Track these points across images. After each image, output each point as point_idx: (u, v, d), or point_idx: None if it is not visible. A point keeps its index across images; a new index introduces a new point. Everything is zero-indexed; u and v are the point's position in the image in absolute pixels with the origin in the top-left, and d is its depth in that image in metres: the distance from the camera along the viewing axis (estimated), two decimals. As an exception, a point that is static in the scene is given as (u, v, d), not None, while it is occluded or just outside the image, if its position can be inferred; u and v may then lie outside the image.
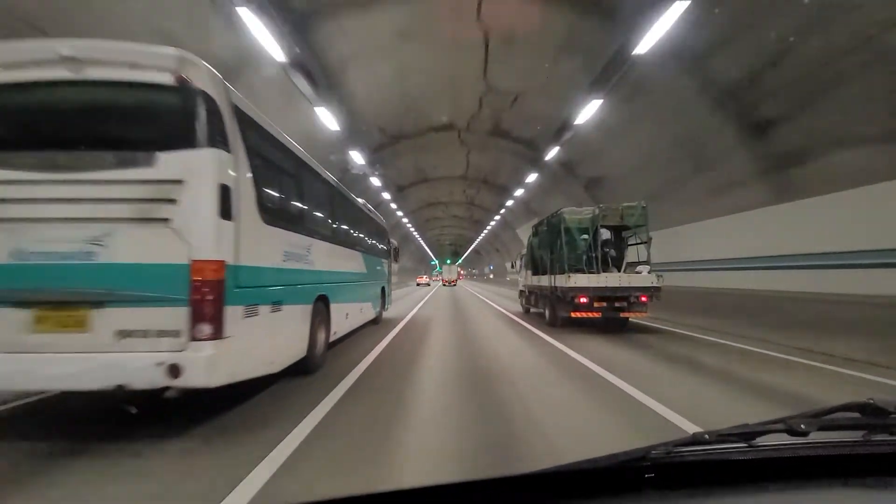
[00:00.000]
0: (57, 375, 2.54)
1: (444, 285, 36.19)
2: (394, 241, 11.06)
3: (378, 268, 8.58)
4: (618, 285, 7.41)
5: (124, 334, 2.57)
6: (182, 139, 2.66)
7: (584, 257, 8.04)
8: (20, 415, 3.18)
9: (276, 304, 3.49)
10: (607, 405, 3.51)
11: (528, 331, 8.08)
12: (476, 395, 3.73)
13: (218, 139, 2.73)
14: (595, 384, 4.18)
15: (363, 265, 7.13)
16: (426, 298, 18.24)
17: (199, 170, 2.65)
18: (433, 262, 68.42)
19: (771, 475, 0.75)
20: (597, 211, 8.02)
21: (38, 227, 2.57)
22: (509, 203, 23.78)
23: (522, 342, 6.79)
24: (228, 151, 2.79)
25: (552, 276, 8.43)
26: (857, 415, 0.79)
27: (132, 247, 2.59)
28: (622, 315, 7.69)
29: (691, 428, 2.72)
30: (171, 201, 2.60)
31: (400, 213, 26.59)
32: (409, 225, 32.07)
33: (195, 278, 2.59)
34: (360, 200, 7.82)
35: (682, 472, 0.75)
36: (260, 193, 3.24)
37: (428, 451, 2.56)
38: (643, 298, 7.46)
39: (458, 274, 44.55)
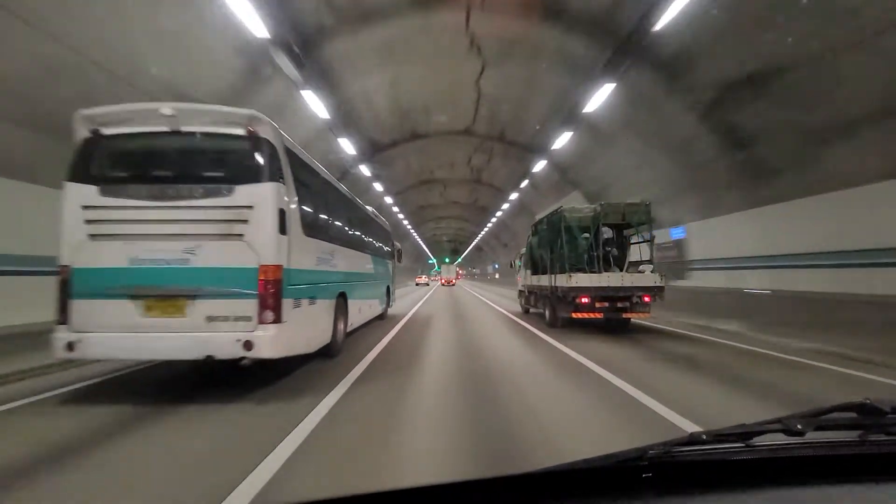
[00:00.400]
0: (163, 349, 3.63)
1: (443, 285, 38.49)
2: (397, 244, 12.11)
3: (384, 268, 9.62)
4: (620, 285, 7.45)
5: (211, 319, 3.60)
6: (252, 175, 3.73)
7: (586, 256, 8.06)
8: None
9: (312, 298, 4.52)
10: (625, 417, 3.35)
11: (528, 331, 8.16)
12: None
13: (277, 175, 3.82)
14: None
15: (373, 266, 8.23)
16: (426, 298, 19.30)
17: (264, 198, 3.71)
18: (431, 261, 66.70)
19: (768, 475, 0.78)
20: (598, 209, 8.04)
21: (149, 240, 3.64)
22: (537, 168, 16.51)
23: (517, 336, 7.34)
24: (283, 184, 3.88)
25: (552, 276, 8.46)
26: (853, 414, 0.82)
27: (216, 255, 3.65)
28: (624, 316, 7.74)
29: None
30: (245, 221, 3.66)
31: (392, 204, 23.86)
32: (398, 212, 27.67)
33: (262, 278, 3.63)
34: (369, 208, 9.01)
35: (680, 472, 0.78)
36: (303, 212, 4.34)
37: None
38: (646, 298, 7.52)
39: (457, 274, 47.45)
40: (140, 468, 2.42)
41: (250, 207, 3.67)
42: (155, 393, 3.92)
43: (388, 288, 10.15)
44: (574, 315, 7.62)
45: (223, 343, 3.55)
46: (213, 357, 3.56)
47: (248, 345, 3.53)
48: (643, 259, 8.39)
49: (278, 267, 3.71)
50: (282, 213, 3.79)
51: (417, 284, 39.87)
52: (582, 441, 2.85)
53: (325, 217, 5.38)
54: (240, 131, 3.79)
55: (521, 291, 12.81)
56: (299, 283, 4.14)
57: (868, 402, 0.81)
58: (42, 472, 2.32)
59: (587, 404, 3.66)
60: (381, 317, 9.78)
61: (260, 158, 3.78)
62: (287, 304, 3.79)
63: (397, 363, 5.14)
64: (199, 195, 3.69)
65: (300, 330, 4.19)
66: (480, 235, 42.01)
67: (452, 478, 0.70)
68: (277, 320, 3.66)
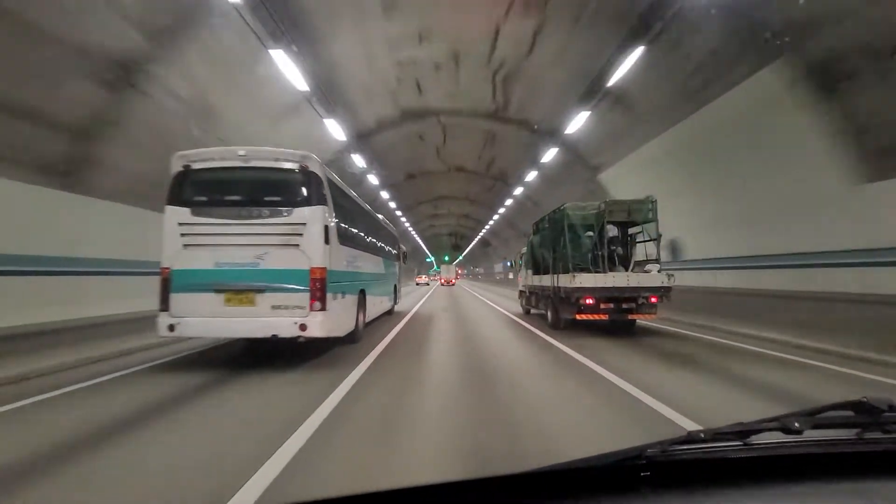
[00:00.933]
0: (240, 329, 5.08)
1: (443, 285, 41.09)
2: (403, 247, 13.88)
3: (392, 269, 11.22)
4: (626, 285, 7.49)
5: (275, 307, 4.96)
6: (304, 200, 5.16)
7: (590, 255, 8.11)
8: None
9: (344, 293, 5.97)
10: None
11: (527, 329, 8.24)
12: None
13: (322, 199, 5.25)
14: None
15: (384, 268, 9.82)
16: (426, 296, 21.18)
17: (313, 217, 5.13)
18: (429, 259, 65.32)
19: (766, 473, 0.82)
20: (602, 206, 8.09)
21: (228, 249, 5.04)
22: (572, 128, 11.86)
23: (512, 328, 8.48)
24: (327, 206, 5.32)
25: (555, 276, 8.52)
26: (850, 413, 0.87)
27: (278, 260, 5.02)
28: (630, 317, 7.79)
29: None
30: (299, 235, 5.06)
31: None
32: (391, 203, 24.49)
33: (312, 277, 5.01)
34: (380, 216, 10.66)
35: (678, 471, 0.82)
36: (339, 227, 5.79)
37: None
38: (653, 299, 7.55)
39: (456, 274, 49.49)
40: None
41: (303, 224, 5.12)
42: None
43: (395, 286, 11.80)
44: (578, 316, 7.67)
45: (284, 325, 4.96)
46: (277, 335, 4.96)
47: (302, 327, 4.95)
48: (649, 258, 8.44)
49: (324, 269, 5.11)
50: (326, 228, 5.24)
51: (418, 284, 42.27)
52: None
53: (353, 229, 6.97)
54: (295, 166, 5.25)
55: (521, 292, 12.96)
56: (337, 281, 5.58)
57: (865, 400, 0.85)
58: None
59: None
60: (390, 312, 11.31)
61: (310, 187, 5.22)
62: (329, 297, 5.17)
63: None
64: (265, 215, 5.13)
65: (337, 317, 5.64)
66: (491, 223, 34.39)
67: (452, 477, 0.74)
68: (323, 308, 5.06)
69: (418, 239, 46.33)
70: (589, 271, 7.81)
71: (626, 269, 8.27)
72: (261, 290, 5.01)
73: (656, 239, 8.15)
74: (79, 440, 2.96)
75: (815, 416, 0.86)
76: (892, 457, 0.84)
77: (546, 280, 9.22)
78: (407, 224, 33.96)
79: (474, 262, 65.00)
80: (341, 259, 5.92)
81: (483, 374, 4.95)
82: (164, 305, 5.04)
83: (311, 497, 0.72)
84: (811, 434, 0.84)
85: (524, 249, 12.48)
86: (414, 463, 2.63)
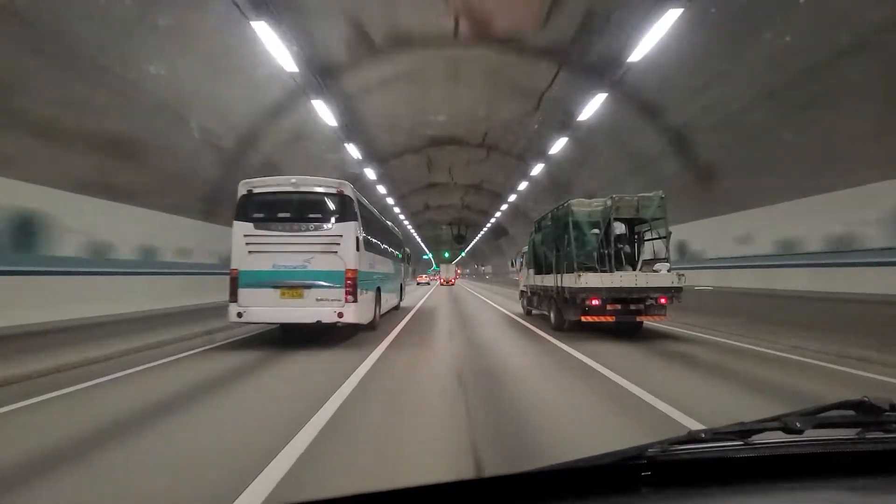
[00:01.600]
0: (291, 316, 6.74)
1: (442, 284, 43.15)
2: (407, 249, 16.28)
3: (399, 269, 13.37)
4: (634, 286, 7.54)
5: (319, 300, 6.67)
6: (340, 217, 6.93)
7: (595, 254, 8.13)
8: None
9: (367, 290, 7.78)
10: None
11: (524, 324, 8.35)
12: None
13: (354, 216, 7.03)
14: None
15: (392, 268, 11.81)
16: (428, 294, 24.27)
17: (347, 231, 6.89)
18: (426, 256, 64.12)
19: (767, 473, 0.87)
20: (609, 202, 8.10)
21: (283, 254, 6.75)
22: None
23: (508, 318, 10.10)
24: (357, 221, 7.11)
25: (558, 276, 8.57)
26: (851, 412, 0.92)
27: (321, 263, 6.75)
28: (638, 319, 7.87)
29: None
30: (337, 244, 6.78)
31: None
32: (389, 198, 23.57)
33: (346, 276, 6.75)
34: (389, 223, 12.75)
35: (679, 470, 0.86)
36: (365, 237, 7.54)
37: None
38: (662, 300, 7.61)
39: (456, 273, 50.83)
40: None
41: (340, 236, 6.93)
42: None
43: (401, 285, 14.24)
44: (583, 318, 7.74)
45: (326, 313, 6.74)
46: (320, 321, 6.75)
47: (339, 314, 6.74)
48: (658, 257, 8.51)
49: (355, 270, 6.91)
50: (357, 239, 7.05)
51: (419, 283, 44.81)
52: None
53: (373, 239, 8.78)
54: (333, 191, 7.15)
55: (522, 292, 13.11)
56: (363, 280, 7.30)
57: (866, 399, 0.90)
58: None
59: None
60: (396, 307, 13.37)
61: (344, 207, 7.09)
62: (358, 292, 6.99)
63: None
64: (310, 228, 6.96)
65: (364, 308, 7.52)
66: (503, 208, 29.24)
67: (453, 477, 0.78)
68: (355, 301, 6.86)
69: (414, 233, 44.32)
70: (594, 270, 7.85)
71: (634, 269, 8.32)
72: (308, 286, 6.79)
73: (665, 237, 8.22)
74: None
75: (816, 416, 0.90)
76: (894, 456, 0.88)
77: (549, 280, 9.28)
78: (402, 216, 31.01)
79: (481, 259, 60.33)
80: (365, 262, 7.71)
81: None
82: (234, 297, 6.80)
83: (311, 497, 0.77)
84: (812, 433, 0.89)
85: (525, 248, 12.56)
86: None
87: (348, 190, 7.20)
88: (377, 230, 9.59)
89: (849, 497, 0.86)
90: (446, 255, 61.36)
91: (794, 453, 0.89)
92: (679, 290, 7.55)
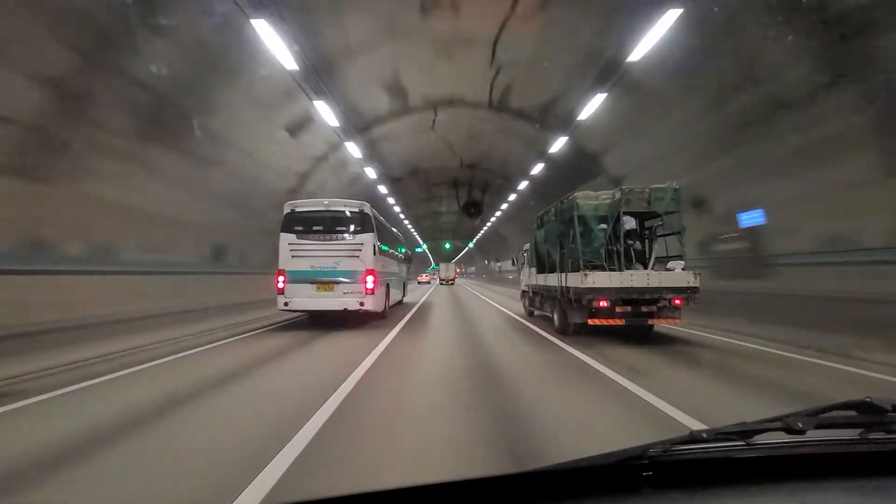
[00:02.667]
0: (325, 305, 9.89)
1: (442, 283, 44.95)
2: (409, 252, 20.03)
3: (403, 269, 17.01)
4: (646, 286, 7.51)
5: (346, 293, 9.81)
6: (362, 230, 10.16)
7: (603, 251, 8.13)
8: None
9: (380, 286, 10.57)
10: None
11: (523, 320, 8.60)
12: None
13: (371, 229, 10.29)
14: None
15: (397, 268, 15.09)
16: (429, 293, 28.24)
17: (366, 240, 10.13)
18: (419, 249, 63.67)
19: (769, 473, 0.95)
20: (618, 195, 8.10)
21: (318, 257, 9.91)
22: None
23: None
24: (374, 233, 10.34)
25: (562, 275, 8.61)
26: (854, 413, 1.00)
27: (347, 264, 9.93)
28: (650, 322, 7.88)
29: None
30: (359, 250, 10.03)
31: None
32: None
33: (365, 275, 9.91)
34: (395, 230, 16.64)
35: (680, 471, 0.94)
36: (379, 244, 10.76)
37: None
38: (677, 301, 7.59)
39: (455, 272, 52.01)
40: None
41: (361, 244, 9.83)
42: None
43: (404, 283, 18.22)
44: (590, 321, 7.75)
45: (351, 303, 9.58)
46: (346, 309, 9.57)
47: (361, 303, 9.57)
48: (671, 255, 8.53)
49: (373, 270, 9.73)
50: (374, 246, 9.94)
51: (420, 283, 47.61)
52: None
53: (385, 245, 11.72)
54: (356, 210, 10.07)
55: (524, 292, 13.31)
56: (378, 277, 10.09)
57: (869, 400, 0.98)
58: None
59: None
60: (400, 302, 16.69)
61: (364, 222, 9.95)
62: (375, 286, 9.81)
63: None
64: (339, 238, 9.77)
65: (378, 299, 10.36)
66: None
67: (454, 476, 0.85)
68: (372, 293, 9.71)
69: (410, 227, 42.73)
70: (602, 269, 7.84)
71: (645, 267, 8.31)
72: (337, 282, 9.75)
73: (680, 232, 8.21)
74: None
75: (818, 416, 0.98)
76: None
77: (552, 279, 9.34)
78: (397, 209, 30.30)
79: (492, 252, 54.98)
80: (379, 264, 10.58)
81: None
82: (281, 290, 9.70)
83: (311, 497, 0.84)
84: (814, 434, 0.96)
85: (527, 246, 12.66)
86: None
87: (367, 209, 10.34)
88: (387, 238, 12.95)
89: (851, 498, 0.93)
90: (447, 246, 60.38)
91: (797, 454, 0.97)
92: (695, 290, 7.50)
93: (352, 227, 9.98)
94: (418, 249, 62.90)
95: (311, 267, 9.64)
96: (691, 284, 7.52)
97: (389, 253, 12.91)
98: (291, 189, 15.50)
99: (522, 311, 13.55)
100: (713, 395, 4.94)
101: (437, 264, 57.95)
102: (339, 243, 9.82)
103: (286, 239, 9.81)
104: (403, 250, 17.26)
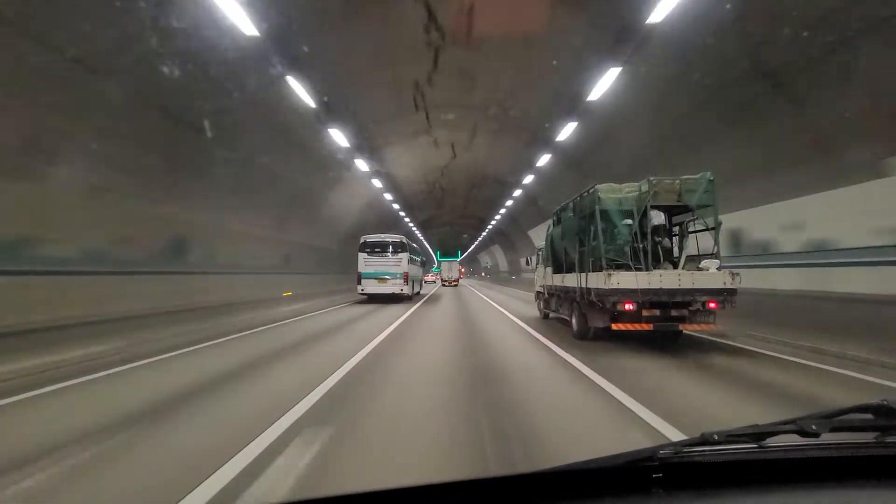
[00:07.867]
0: (382, 290, 22.39)
1: (444, 284, 47.17)
2: (423, 258, 33.55)
3: (420, 270, 30.18)
4: (677, 287, 7.40)
5: (392, 283, 22.73)
6: (402, 251, 23.48)
7: (628, 249, 8.05)
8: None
9: (410, 280, 24.41)
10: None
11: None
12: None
13: (406, 249, 23.74)
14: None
15: (418, 270, 28.49)
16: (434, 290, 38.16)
17: (404, 257, 23.38)
18: (414, 246, 67.43)
19: (781, 476, 1.03)
20: (645, 187, 7.99)
21: (379, 265, 22.93)
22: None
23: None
24: (408, 252, 24.08)
25: (582, 275, 8.56)
26: (870, 416, 1.08)
27: (393, 268, 23.10)
28: (681, 327, 7.75)
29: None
30: (400, 261, 23.25)
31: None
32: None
33: (404, 275, 22.94)
34: (416, 246, 31.09)
35: (691, 473, 1.03)
36: (411, 257, 25.30)
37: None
38: (711, 305, 7.51)
39: (459, 272, 53.02)
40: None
41: (401, 258, 22.65)
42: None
43: (422, 280, 31.34)
44: (613, 326, 7.73)
45: (396, 290, 21.99)
46: (394, 293, 21.89)
47: (401, 290, 21.97)
48: (703, 253, 8.38)
49: (407, 273, 22.42)
50: (410, 258, 23.40)
51: (425, 282, 50.73)
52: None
53: (412, 255, 24.74)
54: (398, 240, 23.04)
55: (538, 293, 13.65)
56: (408, 276, 22.66)
57: (885, 403, 1.06)
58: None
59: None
60: (417, 293, 26.61)
61: (403, 247, 22.82)
62: (407, 281, 22.54)
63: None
64: (389, 255, 22.51)
65: (409, 288, 22.99)
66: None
67: (458, 476, 0.95)
68: (407, 284, 22.37)
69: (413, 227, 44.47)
70: (628, 268, 7.77)
71: (676, 267, 8.18)
72: (387, 279, 21.40)
73: (714, 228, 8.00)
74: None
75: (832, 419, 1.07)
76: None
77: (570, 280, 9.32)
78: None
79: (513, 248, 54.27)
80: (409, 268, 22.20)
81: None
82: (359, 283, 21.48)
83: (311, 496, 0.94)
84: (829, 437, 1.04)
85: (541, 244, 12.74)
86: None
87: (404, 239, 22.54)
88: (414, 253, 24.93)
89: (866, 502, 1.01)
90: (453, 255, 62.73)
91: (810, 457, 1.05)
92: (733, 292, 7.39)
93: (396, 249, 21.84)
94: (413, 246, 67.83)
95: (376, 270, 21.38)
96: (728, 286, 7.41)
97: (414, 261, 25.10)
98: (356, 222, 27.52)
99: (523, 298, 22.66)
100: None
101: (438, 267, 58.62)
102: (389, 257, 21.62)
103: (362, 256, 21.62)
104: (421, 257, 31.25)
